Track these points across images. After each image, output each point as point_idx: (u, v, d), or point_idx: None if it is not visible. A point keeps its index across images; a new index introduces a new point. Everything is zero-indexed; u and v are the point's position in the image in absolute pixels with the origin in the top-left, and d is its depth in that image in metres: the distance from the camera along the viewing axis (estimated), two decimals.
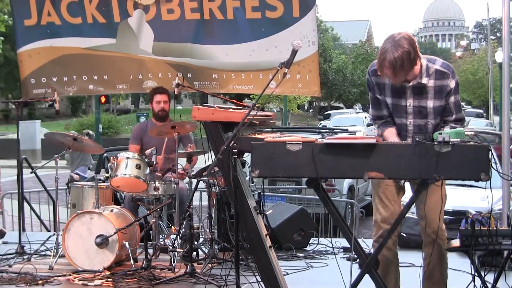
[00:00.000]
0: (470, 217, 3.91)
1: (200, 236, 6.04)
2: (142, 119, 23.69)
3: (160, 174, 5.96)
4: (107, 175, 5.84)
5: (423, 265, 4.13)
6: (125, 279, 5.15)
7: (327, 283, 4.86)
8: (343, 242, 6.17)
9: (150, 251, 5.57)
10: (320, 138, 3.73)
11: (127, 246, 5.46)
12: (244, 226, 3.94)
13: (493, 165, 3.50)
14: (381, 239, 3.99)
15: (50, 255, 5.77)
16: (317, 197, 3.86)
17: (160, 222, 6.03)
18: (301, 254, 6.14)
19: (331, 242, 6.47)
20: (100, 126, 21.85)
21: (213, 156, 3.88)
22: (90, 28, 6.82)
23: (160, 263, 5.50)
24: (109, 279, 5.15)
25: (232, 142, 3.69)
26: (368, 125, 26.83)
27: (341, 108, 49.76)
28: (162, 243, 5.68)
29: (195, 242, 5.57)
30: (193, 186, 5.93)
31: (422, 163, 3.46)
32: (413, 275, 4.32)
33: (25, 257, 5.93)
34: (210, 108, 3.96)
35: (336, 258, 4.87)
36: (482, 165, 3.42)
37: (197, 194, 7.17)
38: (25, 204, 7.10)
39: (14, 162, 6.88)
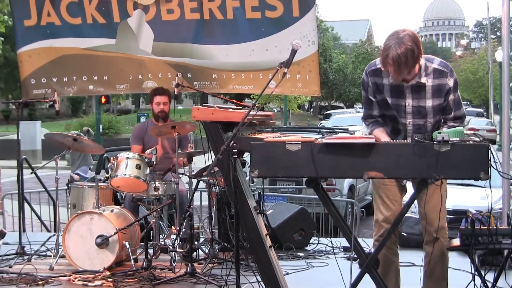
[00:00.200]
0: (470, 216, 3.91)
1: (201, 236, 6.04)
2: (143, 119, 23.68)
3: (160, 174, 5.96)
4: (107, 175, 5.85)
5: (423, 263, 4.13)
6: (126, 279, 5.16)
7: (327, 283, 4.86)
8: (343, 242, 6.17)
9: (151, 251, 5.57)
10: (320, 138, 3.73)
11: (128, 246, 5.46)
12: (244, 226, 3.94)
13: (493, 164, 3.50)
14: (382, 238, 3.99)
15: (50, 256, 5.78)
16: (317, 196, 3.86)
17: (160, 222, 6.03)
18: (301, 254, 6.15)
19: (331, 242, 6.48)
20: (101, 126, 21.87)
21: (213, 156, 3.88)
22: (89, 29, 6.81)
23: (161, 263, 5.51)
24: (109, 280, 5.15)
25: (232, 142, 3.69)
26: None
27: (342, 107, 49.72)
28: (163, 243, 5.69)
29: (196, 242, 5.57)
30: (193, 186, 5.93)
31: (422, 163, 3.46)
32: (414, 274, 4.33)
33: (26, 257, 5.94)
34: (209, 108, 3.96)
35: (336, 257, 4.87)
36: (482, 164, 3.42)
37: (197, 194, 7.17)
38: (26, 205, 7.11)
39: (14, 163, 6.88)
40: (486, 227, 3.86)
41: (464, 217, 3.95)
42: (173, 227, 5.88)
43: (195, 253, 5.54)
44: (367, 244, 5.45)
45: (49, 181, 8.36)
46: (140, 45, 6.79)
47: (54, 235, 6.08)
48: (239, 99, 7.08)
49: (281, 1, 6.40)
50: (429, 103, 3.97)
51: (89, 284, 5.08)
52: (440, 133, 3.49)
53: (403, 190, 4.16)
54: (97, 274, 5.26)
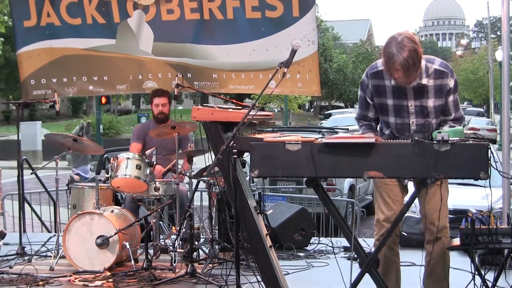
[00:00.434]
0: (470, 215, 3.92)
1: (201, 236, 6.04)
2: (143, 119, 23.71)
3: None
4: (107, 175, 5.85)
5: (424, 263, 4.13)
6: (126, 279, 5.16)
7: (327, 283, 4.86)
8: (343, 242, 6.16)
9: (151, 251, 5.56)
10: (320, 137, 3.73)
11: (128, 246, 5.46)
12: (244, 226, 3.94)
13: (493, 163, 3.50)
14: (383, 238, 3.99)
15: (50, 256, 5.78)
16: (317, 196, 3.86)
17: (160, 222, 6.03)
18: (301, 254, 6.15)
19: (332, 242, 6.48)
20: (101, 126, 21.86)
21: (213, 156, 3.88)
22: (89, 29, 6.80)
23: (161, 263, 5.50)
24: (109, 280, 5.15)
25: (232, 142, 3.69)
26: None
27: (342, 107, 49.72)
28: (163, 243, 5.68)
29: (196, 242, 5.57)
30: (194, 186, 5.93)
31: (422, 162, 3.46)
32: (414, 274, 4.33)
33: (26, 258, 5.94)
34: (209, 108, 3.96)
35: (336, 257, 4.87)
36: (482, 163, 3.42)
37: (197, 194, 7.17)
38: (26, 205, 7.10)
39: (14, 163, 6.87)
40: (486, 227, 3.86)
41: (464, 217, 3.96)
42: (173, 227, 5.88)
43: (195, 253, 5.54)
44: (368, 244, 5.45)
45: (49, 181, 8.35)
46: (140, 45, 6.79)
47: (54, 235, 6.08)
48: (239, 99, 7.08)
49: (281, 1, 6.40)
50: (431, 103, 3.99)
51: (90, 284, 5.08)
52: (440, 132, 3.49)
53: (404, 190, 4.16)
54: (97, 275, 5.26)
